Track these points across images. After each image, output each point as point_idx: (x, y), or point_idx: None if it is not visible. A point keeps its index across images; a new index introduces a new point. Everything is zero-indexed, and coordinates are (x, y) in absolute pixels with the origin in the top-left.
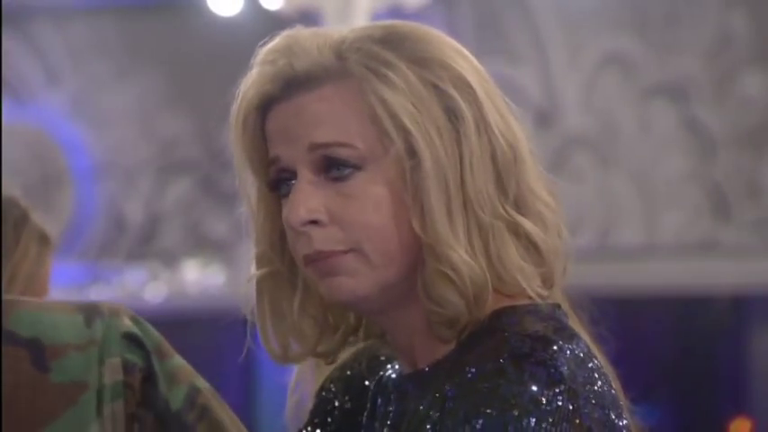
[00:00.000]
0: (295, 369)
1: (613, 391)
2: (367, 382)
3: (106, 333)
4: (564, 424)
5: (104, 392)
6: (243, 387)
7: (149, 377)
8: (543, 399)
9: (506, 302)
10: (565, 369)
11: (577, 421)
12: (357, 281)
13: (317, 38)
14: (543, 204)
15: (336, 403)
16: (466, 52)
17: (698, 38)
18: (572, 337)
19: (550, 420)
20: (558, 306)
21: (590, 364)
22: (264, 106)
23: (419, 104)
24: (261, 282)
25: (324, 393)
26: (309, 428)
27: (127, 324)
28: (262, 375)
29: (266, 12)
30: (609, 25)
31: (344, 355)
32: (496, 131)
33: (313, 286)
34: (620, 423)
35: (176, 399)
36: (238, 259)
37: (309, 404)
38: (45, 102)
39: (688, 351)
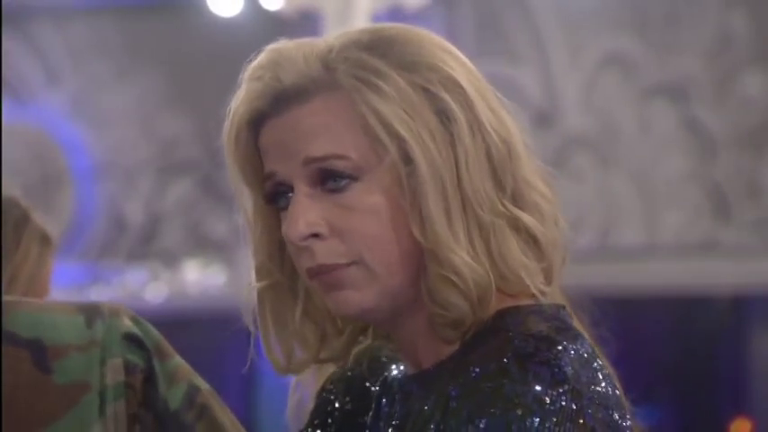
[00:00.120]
0: None
1: (617, 392)
2: (368, 383)
3: (107, 334)
4: (567, 424)
5: (106, 393)
6: (243, 387)
7: (150, 377)
8: (547, 399)
9: (510, 302)
10: (569, 369)
11: (581, 421)
12: (363, 294)
13: (302, 48)
14: (539, 195)
15: (337, 404)
16: (455, 51)
17: (698, 38)
18: (576, 337)
19: (554, 420)
20: (563, 306)
21: (594, 365)
22: (255, 122)
23: (411, 110)
24: (262, 293)
25: (324, 394)
26: (310, 430)
27: (127, 324)
28: (262, 375)
29: (266, 12)
30: (609, 25)
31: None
32: (489, 129)
33: (315, 295)
34: (624, 423)
35: (175, 398)
36: (239, 260)
37: (310, 405)
38: (45, 102)
39: (688, 351)
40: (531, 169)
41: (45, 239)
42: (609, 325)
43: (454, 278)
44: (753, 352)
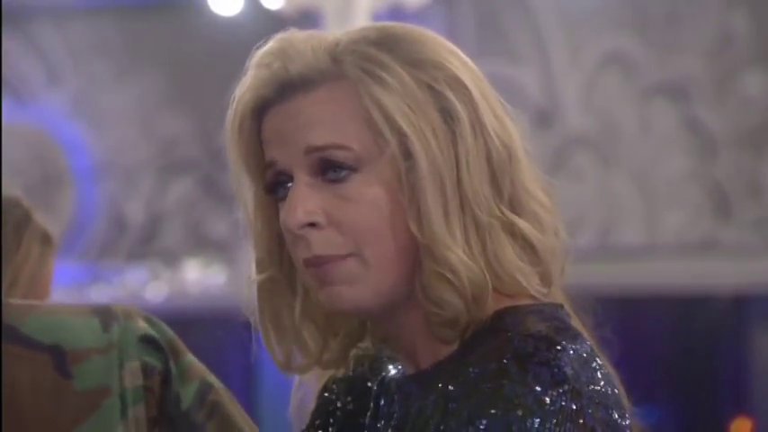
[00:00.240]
0: None
1: (617, 391)
2: (369, 383)
3: (123, 336)
4: (567, 424)
5: (126, 397)
6: (244, 386)
7: (167, 379)
8: (547, 399)
9: (508, 302)
10: (568, 369)
11: (581, 421)
12: (357, 289)
13: (311, 40)
14: (538, 204)
15: (338, 404)
16: (460, 53)
17: (699, 37)
18: (575, 337)
19: (554, 421)
20: (561, 306)
21: (593, 364)
22: (260, 110)
23: (414, 106)
24: (261, 288)
25: (326, 394)
26: (311, 430)
27: (142, 326)
28: (263, 375)
29: (267, 12)
30: (609, 25)
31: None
32: (491, 132)
33: (314, 292)
34: (624, 423)
35: (187, 397)
36: (239, 259)
37: (311, 405)
38: (45, 102)
39: (688, 351)
40: (531, 177)
41: (46, 239)
42: (609, 324)
43: (449, 275)
44: (753, 352)
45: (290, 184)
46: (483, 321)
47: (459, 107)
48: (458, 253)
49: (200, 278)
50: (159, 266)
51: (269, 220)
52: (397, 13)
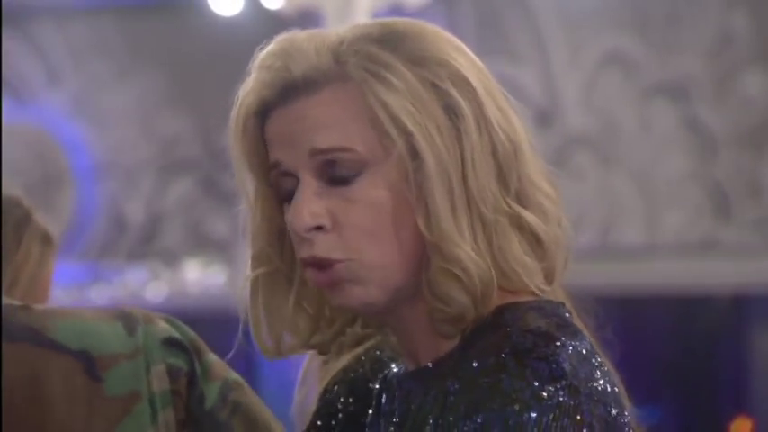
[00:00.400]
0: (301, 365)
1: (616, 388)
2: (371, 385)
3: (147, 340)
4: (565, 419)
5: (155, 401)
6: None
7: (192, 379)
8: (544, 394)
9: (509, 299)
10: (567, 365)
11: (578, 417)
12: (365, 289)
13: (314, 41)
14: (544, 195)
15: (340, 405)
16: (464, 48)
17: (699, 37)
18: (575, 333)
19: (551, 416)
20: (563, 304)
21: (593, 361)
22: (263, 112)
23: (419, 105)
24: (257, 280)
25: (327, 396)
26: (313, 431)
27: (165, 328)
28: (264, 374)
29: (267, 11)
30: (610, 25)
31: (347, 357)
32: (496, 127)
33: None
34: (622, 420)
35: (211, 396)
36: (239, 259)
37: (313, 405)
38: (46, 101)
39: (688, 350)
40: (536, 169)
41: (46, 239)
42: (609, 324)
43: (459, 272)
44: (753, 351)
45: (295, 185)
46: (483, 317)
47: (463, 104)
48: (467, 250)
49: (200, 278)
50: (159, 266)
51: (269, 215)
52: (397, 13)
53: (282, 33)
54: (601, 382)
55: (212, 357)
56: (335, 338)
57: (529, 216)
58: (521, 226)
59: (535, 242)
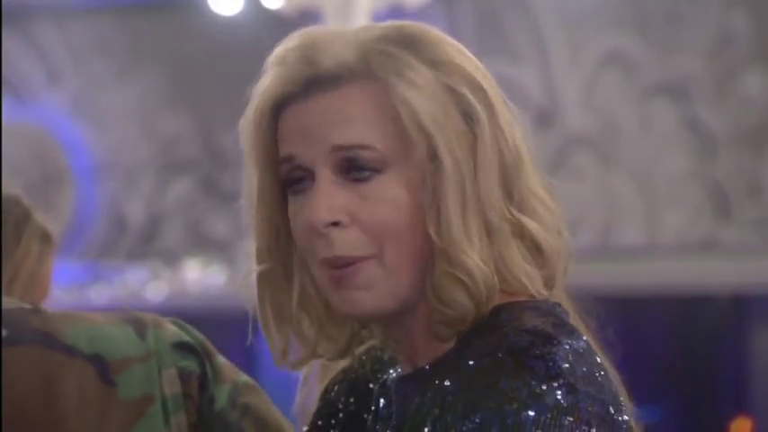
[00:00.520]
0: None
1: (613, 387)
2: (371, 385)
3: (157, 344)
4: (563, 418)
5: (168, 404)
6: None
7: (203, 382)
8: (542, 392)
9: (506, 299)
10: (564, 364)
11: (576, 415)
12: (372, 294)
13: (338, 38)
14: (542, 204)
15: (340, 406)
16: (469, 53)
17: (699, 37)
18: (571, 332)
19: (549, 415)
20: (558, 304)
21: (590, 359)
22: (279, 106)
23: (440, 108)
24: (261, 277)
25: (328, 396)
26: (313, 431)
27: (174, 331)
28: (264, 374)
29: (267, 11)
30: (610, 24)
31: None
32: (506, 133)
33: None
34: (620, 418)
35: (220, 398)
36: (239, 258)
37: (314, 405)
38: (46, 101)
39: (689, 350)
40: (534, 177)
41: (46, 238)
42: (609, 325)
43: (464, 278)
44: (753, 351)
45: (306, 180)
46: (480, 317)
47: (479, 109)
48: (474, 258)
49: (200, 278)
50: (159, 266)
51: (271, 213)
52: (397, 13)
53: (291, 31)
54: (598, 380)
55: (222, 360)
56: (350, 345)
57: (530, 224)
58: (522, 234)
59: (536, 250)
